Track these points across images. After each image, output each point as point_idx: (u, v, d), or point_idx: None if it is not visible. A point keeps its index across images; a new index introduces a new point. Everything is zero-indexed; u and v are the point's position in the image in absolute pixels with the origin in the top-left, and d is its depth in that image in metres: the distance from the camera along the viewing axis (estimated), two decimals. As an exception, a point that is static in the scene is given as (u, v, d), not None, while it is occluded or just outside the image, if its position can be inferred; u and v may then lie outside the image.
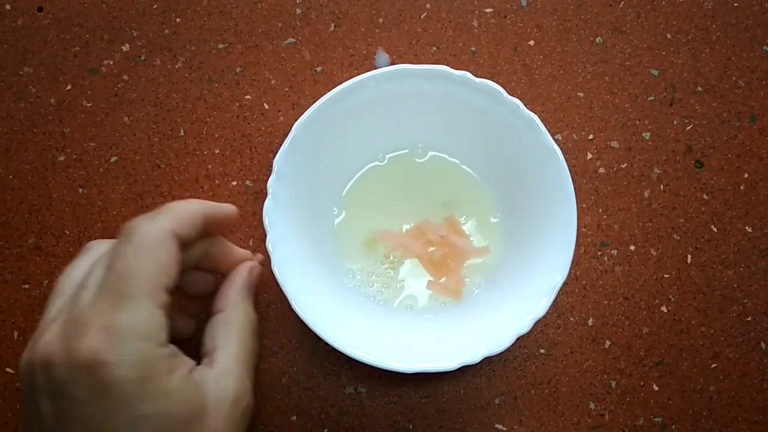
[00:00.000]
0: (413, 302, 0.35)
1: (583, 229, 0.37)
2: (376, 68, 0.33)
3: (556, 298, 0.31)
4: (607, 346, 0.37)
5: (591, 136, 0.38)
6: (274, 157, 0.32)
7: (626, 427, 0.36)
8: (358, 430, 0.36)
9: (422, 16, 0.39)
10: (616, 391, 0.36)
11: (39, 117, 0.38)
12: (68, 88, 0.38)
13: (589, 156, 0.38)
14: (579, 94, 0.38)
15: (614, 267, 0.37)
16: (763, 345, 0.37)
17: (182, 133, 0.38)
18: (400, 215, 0.36)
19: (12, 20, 0.39)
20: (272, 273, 0.31)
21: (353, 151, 0.36)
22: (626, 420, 0.36)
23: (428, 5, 0.39)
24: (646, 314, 0.37)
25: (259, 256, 0.34)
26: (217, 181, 0.38)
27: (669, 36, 0.39)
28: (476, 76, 0.32)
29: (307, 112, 0.32)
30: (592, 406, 0.36)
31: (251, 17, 0.39)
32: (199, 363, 0.28)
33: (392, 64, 0.38)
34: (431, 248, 0.36)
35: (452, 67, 0.32)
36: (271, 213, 0.32)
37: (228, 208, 0.31)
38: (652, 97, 0.38)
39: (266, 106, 0.38)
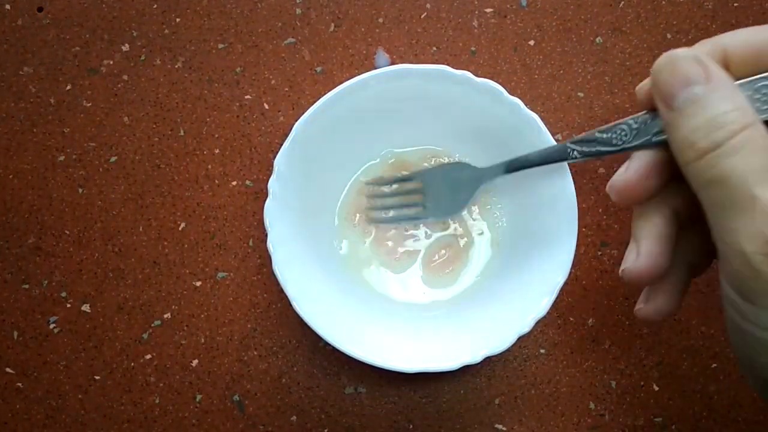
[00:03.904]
0: (413, 302, 0.35)
1: (584, 229, 0.37)
2: (376, 68, 0.33)
3: (556, 298, 0.31)
4: (607, 346, 0.37)
5: (591, 136, 0.38)
6: (274, 157, 0.32)
7: (626, 427, 0.36)
8: (358, 430, 0.36)
9: (422, 16, 0.39)
10: (616, 391, 0.36)
11: (39, 117, 0.38)
12: (68, 88, 0.38)
13: (589, 156, 0.38)
14: (579, 94, 0.38)
15: (614, 267, 0.37)
16: (763, 345, 0.37)
17: (182, 133, 0.38)
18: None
19: (12, 20, 0.39)
20: (273, 273, 0.31)
21: (354, 150, 0.36)
22: (626, 420, 0.36)
23: (428, 5, 0.39)
24: (646, 314, 0.37)
25: None
26: (216, 181, 0.38)
27: (669, 36, 0.39)
28: (476, 75, 0.32)
29: (307, 112, 0.32)
30: (592, 406, 0.36)
31: (251, 17, 0.39)
32: None
33: (392, 64, 0.38)
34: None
35: (452, 67, 0.32)
36: (272, 213, 0.32)
37: None
38: (652, 97, 0.38)
39: (266, 106, 0.38)
